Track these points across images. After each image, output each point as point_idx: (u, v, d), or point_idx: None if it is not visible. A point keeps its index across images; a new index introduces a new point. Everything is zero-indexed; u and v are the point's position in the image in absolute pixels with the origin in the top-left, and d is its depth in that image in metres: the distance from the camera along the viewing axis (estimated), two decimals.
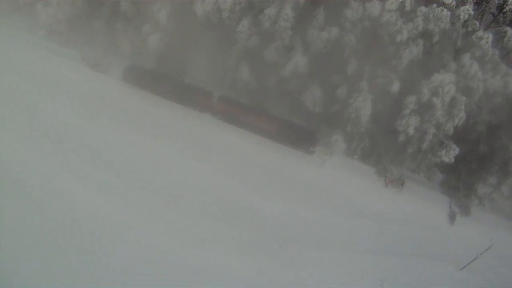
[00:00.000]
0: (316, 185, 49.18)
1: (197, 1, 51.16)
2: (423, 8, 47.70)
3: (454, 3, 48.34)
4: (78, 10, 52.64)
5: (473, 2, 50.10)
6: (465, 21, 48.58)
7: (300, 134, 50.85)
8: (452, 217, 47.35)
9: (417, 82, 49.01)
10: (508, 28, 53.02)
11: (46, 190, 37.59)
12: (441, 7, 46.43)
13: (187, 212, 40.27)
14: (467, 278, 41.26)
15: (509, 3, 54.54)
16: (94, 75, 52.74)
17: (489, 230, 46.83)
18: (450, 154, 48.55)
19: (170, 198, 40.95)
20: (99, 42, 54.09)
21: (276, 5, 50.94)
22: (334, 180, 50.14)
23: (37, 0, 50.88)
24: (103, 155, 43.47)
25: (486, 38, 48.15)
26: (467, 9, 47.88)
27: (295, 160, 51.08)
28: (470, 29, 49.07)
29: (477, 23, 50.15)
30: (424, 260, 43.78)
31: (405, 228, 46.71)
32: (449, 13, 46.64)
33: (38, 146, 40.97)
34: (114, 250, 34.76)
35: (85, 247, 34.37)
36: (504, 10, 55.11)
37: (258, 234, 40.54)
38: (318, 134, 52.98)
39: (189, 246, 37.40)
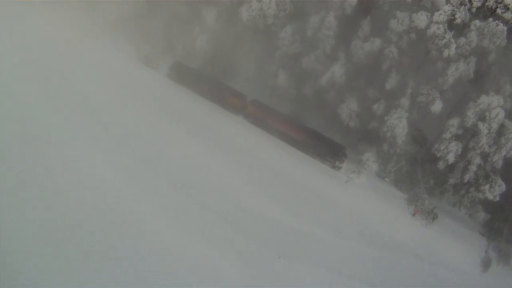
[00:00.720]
0: (336, 203, 45.94)
1: (246, 1, 51.85)
2: (478, 22, 42.37)
3: None
4: (138, 10, 57.08)
5: None
6: None
7: (328, 148, 48.12)
8: (486, 264, 40.48)
9: (464, 104, 43.48)
10: None
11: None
12: (497, 21, 40.73)
13: (203, 211, 40.45)
14: None
15: None
16: (144, 70, 56.22)
17: None
18: (494, 190, 41.67)
19: (189, 195, 41.35)
20: (154, 40, 57.54)
21: (321, 13, 49.83)
22: (357, 200, 46.42)
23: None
24: (133, 143, 45.84)
25: None
26: None
27: (319, 173, 48.38)
28: None
29: None
30: None
31: (426, 266, 41.36)
32: (505, 28, 40.69)
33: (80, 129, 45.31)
34: (127, 245, 34.80)
35: (101, 240, 34.73)
36: None
37: (265, 242, 39.19)
38: (349, 150, 49.84)
39: (198, 244, 37.92)
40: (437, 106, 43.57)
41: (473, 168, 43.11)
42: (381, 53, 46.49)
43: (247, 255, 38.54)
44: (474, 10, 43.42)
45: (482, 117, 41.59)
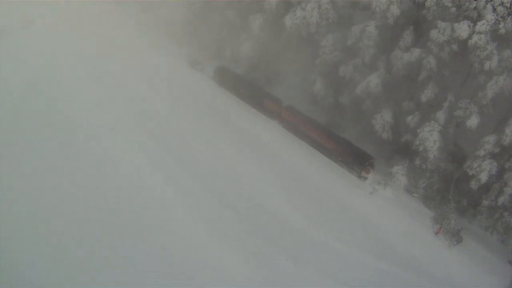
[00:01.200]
0: (357, 213, 44.91)
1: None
2: None
3: None
4: (191, 15, 60.86)
5: None
6: None
7: (354, 157, 47.08)
8: None
9: (503, 121, 39.98)
10: None
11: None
12: None
13: (224, 211, 42.26)
14: None
15: None
16: (191, 71, 59.91)
17: None
18: None
19: (215, 194, 43.74)
20: (203, 44, 61.14)
21: (363, 23, 49.17)
22: (379, 212, 44.84)
23: (162, 1, 61.68)
24: (170, 139, 49.17)
25: None
26: None
27: (345, 182, 47.59)
28: None
29: None
30: None
31: None
32: None
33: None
34: (127, 245, 36.99)
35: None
36: None
37: (278, 243, 39.83)
38: (381, 161, 48.25)
39: (214, 245, 38.94)
40: (473, 121, 40.48)
41: (509, 190, 39.34)
42: (419, 64, 44.90)
43: (260, 257, 38.72)
44: None
45: None
